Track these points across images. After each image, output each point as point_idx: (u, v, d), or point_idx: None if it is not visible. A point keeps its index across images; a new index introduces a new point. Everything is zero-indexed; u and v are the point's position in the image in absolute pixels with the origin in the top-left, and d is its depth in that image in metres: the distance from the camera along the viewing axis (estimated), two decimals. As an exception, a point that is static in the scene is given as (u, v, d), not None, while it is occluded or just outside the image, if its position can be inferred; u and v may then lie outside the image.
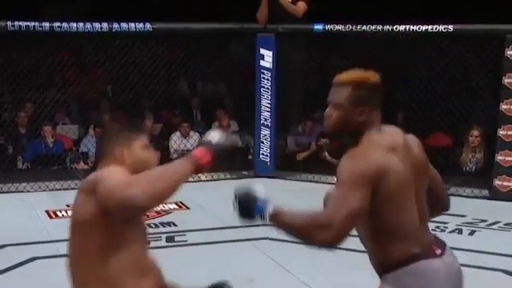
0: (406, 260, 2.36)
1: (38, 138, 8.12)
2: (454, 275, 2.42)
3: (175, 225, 5.96)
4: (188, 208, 6.48)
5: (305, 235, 2.31)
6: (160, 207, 6.45)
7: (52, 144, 8.07)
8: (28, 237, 5.51)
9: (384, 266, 2.42)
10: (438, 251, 2.42)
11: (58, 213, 6.28)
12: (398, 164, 2.34)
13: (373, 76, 2.47)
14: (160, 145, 8.46)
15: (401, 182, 2.33)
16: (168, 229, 5.86)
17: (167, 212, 6.33)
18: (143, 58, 8.35)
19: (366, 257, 2.65)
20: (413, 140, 2.57)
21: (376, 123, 2.45)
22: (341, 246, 2.30)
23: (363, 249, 2.58)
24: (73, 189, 7.14)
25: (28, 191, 7.07)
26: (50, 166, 7.82)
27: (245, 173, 7.88)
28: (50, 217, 6.21)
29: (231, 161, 8.16)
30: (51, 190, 7.13)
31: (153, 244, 5.42)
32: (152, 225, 5.93)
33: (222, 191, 7.11)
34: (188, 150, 8.23)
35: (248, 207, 2.50)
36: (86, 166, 7.94)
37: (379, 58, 8.19)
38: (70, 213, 6.13)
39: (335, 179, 2.38)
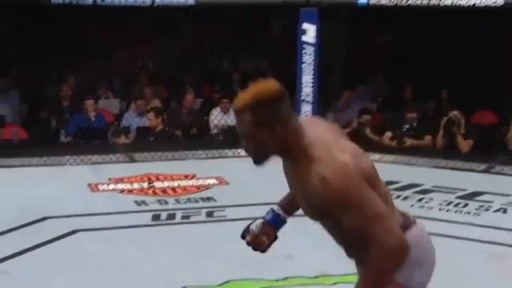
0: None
1: (81, 112, 8.21)
2: (429, 237, 2.42)
3: (215, 200, 6.00)
4: (227, 183, 6.51)
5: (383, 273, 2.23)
6: (200, 182, 6.51)
7: (94, 118, 8.16)
8: (70, 209, 5.58)
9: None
10: (411, 218, 2.40)
11: (100, 186, 6.36)
12: (357, 163, 2.25)
13: (268, 87, 2.25)
14: (200, 120, 8.51)
15: (367, 175, 2.26)
16: (208, 204, 5.90)
17: (207, 187, 6.37)
18: (185, 33, 8.36)
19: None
20: (336, 128, 2.50)
21: (298, 129, 2.27)
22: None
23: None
24: (114, 162, 7.25)
25: (70, 164, 7.16)
26: (91, 140, 7.90)
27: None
28: (92, 190, 6.29)
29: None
30: (93, 163, 7.21)
31: (193, 219, 5.51)
32: (192, 200, 6.00)
33: (260, 167, 7.19)
34: (228, 126, 8.28)
35: None
36: (127, 141, 8.01)
37: (423, 34, 8.09)
38: (111, 186, 6.32)
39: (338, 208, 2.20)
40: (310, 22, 7.45)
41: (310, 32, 7.47)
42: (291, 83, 7.76)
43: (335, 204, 2.15)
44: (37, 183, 6.31)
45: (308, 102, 7.68)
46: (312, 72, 7.56)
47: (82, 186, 6.32)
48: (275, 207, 2.66)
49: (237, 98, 2.25)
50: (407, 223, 2.35)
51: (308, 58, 7.52)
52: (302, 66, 7.55)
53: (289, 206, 2.66)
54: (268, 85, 2.26)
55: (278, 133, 2.22)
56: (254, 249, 2.64)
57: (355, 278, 4.50)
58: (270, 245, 2.67)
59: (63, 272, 4.33)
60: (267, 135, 2.22)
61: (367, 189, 2.17)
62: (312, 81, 7.60)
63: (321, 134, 2.33)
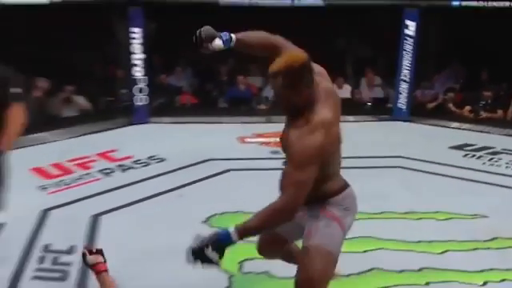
0: (341, 189, 2.46)
1: (234, 85, 8.40)
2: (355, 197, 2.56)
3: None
4: (340, 141, 6.49)
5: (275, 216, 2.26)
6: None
7: (244, 89, 8.33)
8: (225, 154, 5.75)
9: (326, 196, 2.42)
10: (347, 182, 2.53)
11: (246, 139, 6.50)
12: (334, 135, 2.29)
13: (299, 59, 2.19)
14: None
15: (335, 146, 2.36)
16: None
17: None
18: (313, 25, 8.29)
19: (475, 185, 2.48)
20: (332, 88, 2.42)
21: (314, 95, 2.23)
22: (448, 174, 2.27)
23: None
24: (256, 122, 7.41)
25: (226, 123, 7.34)
26: (241, 106, 8.08)
27: (384, 117, 7.73)
28: (241, 141, 6.42)
29: (373, 108, 8.06)
30: (241, 122, 7.35)
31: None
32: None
33: (365, 129, 7.13)
34: (343, 99, 8.20)
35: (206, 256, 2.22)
36: (265, 107, 8.13)
37: (497, 27, 7.61)
38: (254, 139, 6.47)
39: (286, 154, 2.25)
40: (411, 19, 7.27)
41: (410, 27, 7.30)
42: (393, 66, 7.61)
43: (291, 154, 2.20)
44: (203, 135, 6.55)
45: (405, 81, 7.51)
46: (410, 58, 7.39)
47: (233, 139, 6.48)
48: (234, 36, 2.36)
49: (272, 65, 2.21)
50: (346, 184, 2.49)
51: (408, 47, 7.36)
52: (403, 53, 7.39)
53: (243, 43, 2.40)
54: (297, 56, 2.22)
55: (302, 94, 2.20)
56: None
57: (434, 215, 4.45)
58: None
59: (220, 196, 4.56)
60: (294, 95, 2.20)
61: (315, 166, 2.17)
62: (409, 65, 7.43)
63: (324, 92, 2.30)
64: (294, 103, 2.23)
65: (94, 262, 2.50)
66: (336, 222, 2.41)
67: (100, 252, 2.54)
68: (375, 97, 8.35)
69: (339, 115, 2.35)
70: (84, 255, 2.59)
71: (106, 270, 2.49)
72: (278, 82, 2.20)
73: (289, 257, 2.87)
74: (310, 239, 2.39)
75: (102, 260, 2.50)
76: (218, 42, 2.31)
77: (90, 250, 2.59)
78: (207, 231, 3.84)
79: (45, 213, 4.16)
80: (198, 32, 2.31)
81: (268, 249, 2.79)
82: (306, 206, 2.36)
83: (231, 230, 2.20)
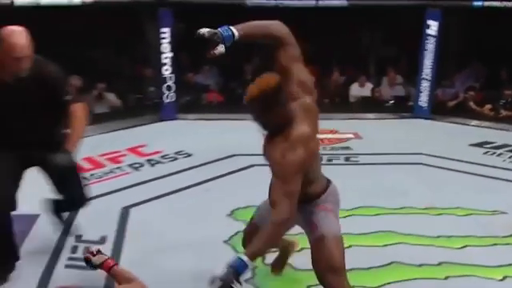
0: (324, 189, 2.58)
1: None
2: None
3: (351, 149, 6.00)
4: (361, 138, 6.48)
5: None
6: (340, 136, 6.52)
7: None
8: (249, 150, 5.58)
9: (312, 197, 2.54)
10: (328, 179, 2.65)
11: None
12: (313, 148, 2.38)
13: (270, 83, 2.27)
14: (343, 91, 8.45)
15: (315, 156, 2.46)
16: (346, 151, 5.90)
17: (345, 139, 6.37)
18: (342, 26, 8.27)
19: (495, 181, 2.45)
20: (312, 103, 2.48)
21: (291, 112, 2.33)
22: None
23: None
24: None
25: (250, 120, 7.26)
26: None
27: (405, 114, 7.67)
28: (264, 138, 6.45)
29: (395, 106, 7.99)
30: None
31: (334, 161, 5.56)
32: (334, 148, 6.03)
33: (387, 126, 7.09)
34: (364, 97, 8.17)
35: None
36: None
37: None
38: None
39: (271, 169, 2.38)
40: (433, 19, 7.16)
41: (432, 27, 7.18)
42: (415, 65, 7.54)
43: (276, 171, 2.33)
44: (228, 132, 6.55)
45: (427, 79, 7.42)
46: (432, 57, 7.30)
47: (257, 135, 6.46)
48: (237, 35, 2.28)
49: (247, 91, 2.31)
50: (328, 183, 2.60)
51: (430, 46, 7.25)
52: (425, 52, 7.29)
53: (245, 37, 2.33)
54: (269, 80, 2.29)
55: (279, 114, 2.30)
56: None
57: (454, 211, 4.41)
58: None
59: (243, 190, 4.57)
60: (271, 116, 2.31)
61: (299, 175, 2.28)
62: (431, 64, 7.33)
63: (302, 107, 2.38)
64: (272, 123, 2.34)
65: (100, 261, 2.52)
66: (330, 213, 2.55)
67: (100, 252, 2.57)
68: (396, 95, 8.29)
69: (317, 128, 2.46)
70: (88, 260, 2.61)
71: (115, 264, 2.52)
72: (254, 108, 2.32)
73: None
74: (317, 231, 2.51)
75: (107, 256, 2.53)
76: (220, 49, 2.28)
77: (91, 252, 2.62)
78: (231, 224, 3.90)
79: (77, 204, 4.23)
80: (203, 34, 2.26)
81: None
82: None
83: (244, 258, 2.27)
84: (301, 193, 2.34)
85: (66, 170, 2.81)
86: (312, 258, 2.53)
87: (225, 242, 3.69)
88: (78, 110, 2.97)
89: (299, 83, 2.43)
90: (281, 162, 2.28)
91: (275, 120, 2.32)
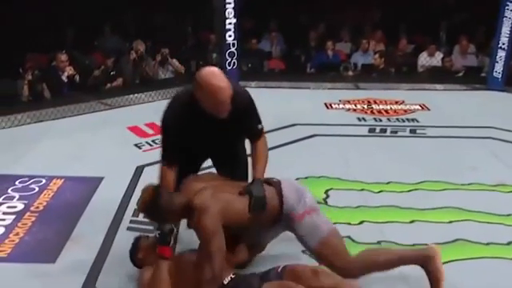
0: (280, 203, 2.66)
1: (322, 51, 8.27)
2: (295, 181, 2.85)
3: (418, 121, 5.82)
4: (429, 109, 6.26)
5: None
6: (407, 107, 6.32)
7: (331, 56, 8.19)
8: (311, 120, 5.71)
9: (274, 216, 2.64)
10: (275, 180, 2.72)
11: (332, 105, 6.42)
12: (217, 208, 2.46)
13: (148, 196, 2.51)
14: (410, 61, 8.16)
15: (230, 211, 2.52)
16: (412, 123, 5.73)
17: (412, 111, 6.18)
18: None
19: None
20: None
21: (180, 199, 2.54)
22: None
23: None
24: (344, 89, 7.27)
25: (313, 88, 7.22)
26: (328, 72, 7.94)
27: (477, 86, 7.32)
28: (327, 107, 6.32)
29: (466, 77, 7.65)
30: (328, 88, 7.24)
31: (399, 134, 5.42)
32: (400, 119, 5.87)
33: (457, 98, 6.81)
34: (434, 67, 7.86)
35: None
36: (352, 74, 7.96)
37: None
38: (341, 105, 6.38)
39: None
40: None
41: (513, -9, 6.76)
42: (490, 33, 7.16)
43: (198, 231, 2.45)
44: (289, 100, 6.52)
45: (503, 49, 7.02)
46: (510, 25, 6.88)
47: (320, 104, 6.41)
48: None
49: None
50: (277, 184, 2.64)
51: (509, 13, 6.83)
52: (503, 19, 6.88)
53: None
54: (147, 193, 2.51)
55: (173, 213, 2.51)
56: None
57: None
58: None
59: (304, 161, 4.56)
60: (169, 218, 2.53)
61: (220, 234, 2.41)
62: (509, 32, 6.91)
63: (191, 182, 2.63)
64: (174, 218, 2.56)
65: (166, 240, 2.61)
66: (305, 216, 2.58)
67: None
68: (468, 65, 7.91)
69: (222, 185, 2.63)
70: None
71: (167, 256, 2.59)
72: (152, 219, 2.61)
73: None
74: (310, 243, 2.58)
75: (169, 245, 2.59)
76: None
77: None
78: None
79: (139, 169, 4.34)
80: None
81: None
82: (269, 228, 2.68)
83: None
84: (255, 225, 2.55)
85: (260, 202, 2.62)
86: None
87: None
88: (262, 138, 2.88)
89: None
90: (199, 228, 2.43)
91: (174, 214, 2.52)
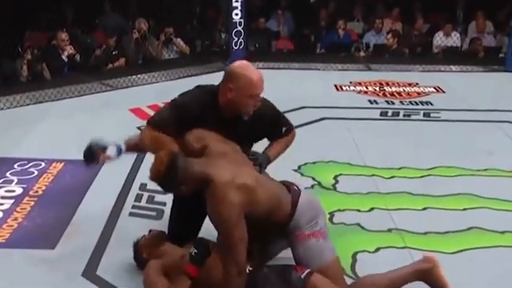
0: (291, 212, 2.48)
1: (333, 30, 8.19)
2: (312, 196, 2.62)
3: (432, 104, 5.77)
4: (444, 92, 6.20)
5: None
6: (421, 89, 6.27)
7: (342, 35, 8.11)
8: (320, 102, 5.68)
9: (281, 224, 2.48)
10: (296, 188, 2.57)
11: (343, 87, 6.39)
12: (240, 190, 2.30)
13: (162, 163, 2.33)
14: (425, 41, 8.07)
15: (250, 195, 2.34)
16: (426, 106, 5.69)
17: (426, 93, 6.13)
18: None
19: None
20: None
21: (200, 169, 2.35)
22: None
23: None
24: (354, 70, 7.23)
25: (322, 70, 7.22)
26: (339, 52, 7.88)
27: (495, 67, 7.23)
28: (337, 89, 6.32)
29: (484, 58, 7.55)
30: (339, 70, 7.21)
31: (413, 117, 5.38)
32: (413, 102, 5.83)
33: (473, 80, 6.74)
34: (447, 47, 7.75)
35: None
36: (363, 54, 7.89)
37: None
38: (351, 87, 6.35)
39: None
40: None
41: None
42: (509, 11, 7.04)
43: (217, 227, 2.33)
44: (298, 82, 6.49)
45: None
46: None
47: (329, 86, 6.38)
48: (123, 145, 2.78)
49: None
50: (295, 200, 2.46)
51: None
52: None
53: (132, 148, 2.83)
54: (161, 160, 2.33)
55: (189, 182, 2.32)
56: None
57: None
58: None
59: (313, 145, 4.51)
60: (183, 186, 2.34)
61: (242, 221, 2.28)
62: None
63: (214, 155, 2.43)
64: (187, 190, 2.36)
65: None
66: (309, 238, 2.46)
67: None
68: (486, 45, 7.81)
69: (241, 161, 2.47)
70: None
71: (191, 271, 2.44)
72: (164, 186, 2.40)
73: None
74: (309, 267, 2.44)
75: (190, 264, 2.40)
76: (110, 152, 2.67)
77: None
78: (298, 179, 3.87)
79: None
80: (87, 148, 2.72)
81: None
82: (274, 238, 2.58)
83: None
84: (263, 225, 2.40)
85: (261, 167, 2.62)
86: None
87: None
88: (291, 134, 2.83)
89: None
90: (217, 218, 2.30)
91: (189, 186, 2.35)
